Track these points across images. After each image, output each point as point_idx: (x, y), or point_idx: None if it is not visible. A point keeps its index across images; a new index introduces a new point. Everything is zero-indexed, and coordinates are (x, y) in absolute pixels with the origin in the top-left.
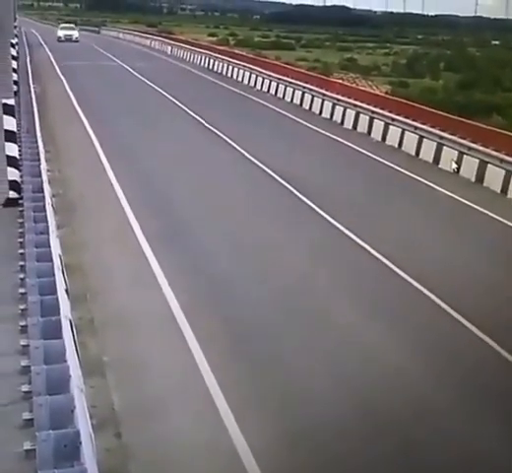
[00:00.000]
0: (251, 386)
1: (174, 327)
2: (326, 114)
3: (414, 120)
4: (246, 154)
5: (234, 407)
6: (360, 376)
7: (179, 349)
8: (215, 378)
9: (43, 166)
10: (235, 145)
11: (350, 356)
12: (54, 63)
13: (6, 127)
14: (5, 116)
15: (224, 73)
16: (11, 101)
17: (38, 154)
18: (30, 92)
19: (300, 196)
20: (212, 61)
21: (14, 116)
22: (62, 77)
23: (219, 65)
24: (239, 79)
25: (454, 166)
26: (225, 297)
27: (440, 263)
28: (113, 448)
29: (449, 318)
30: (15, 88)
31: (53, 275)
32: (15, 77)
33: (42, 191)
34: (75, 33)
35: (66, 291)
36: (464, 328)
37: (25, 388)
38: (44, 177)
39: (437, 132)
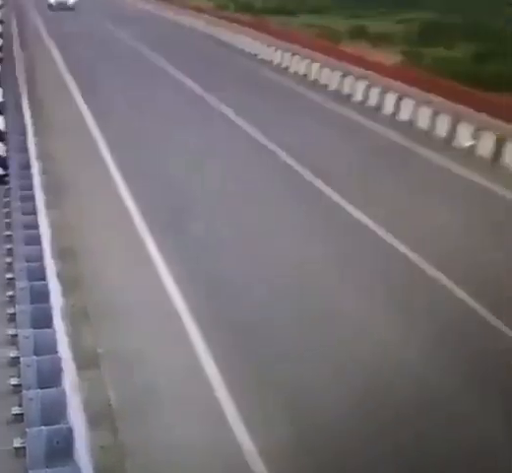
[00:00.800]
0: None
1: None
2: (334, 86)
3: (427, 93)
4: (250, 130)
5: None
6: None
7: None
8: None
9: (31, 139)
10: (243, 121)
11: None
12: (43, 28)
13: None
14: None
15: (228, 41)
16: None
17: (26, 126)
18: (16, 58)
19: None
20: (213, 28)
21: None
22: (52, 43)
23: (221, 32)
24: (241, 47)
25: (470, 142)
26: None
27: None
28: (109, 446)
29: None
30: (0, 54)
31: (43, 259)
32: (0, 42)
33: (30, 167)
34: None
35: (57, 276)
36: None
37: (13, 381)
38: (32, 152)
39: (453, 106)
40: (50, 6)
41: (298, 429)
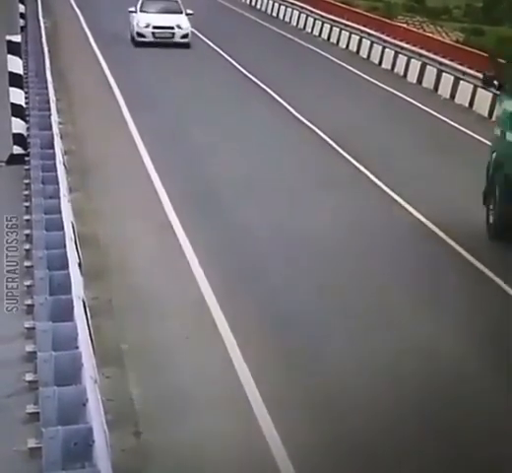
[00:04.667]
0: None
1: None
2: (386, 65)
3: None
4: (294, 112)
5: None
6: None
7: None
8: None
9: (54, 117)
10: (281, 100)
11: None
12: None
13: (10, 69)
14: (9, 56)
15: (269, 12)
16: (16, 38)
17: (49, 102)
18: (39, 27)
19: (359, 167)
20: None
21: (20, 56)
22: (77, 9)
23: (262, 2)
24: (286, 19)
25: None
26: None
27: None
28: (131, 449)
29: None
30: (21, 22)
31: (64, 247)
32: (21, 9)
33: (53, 147)
34: (180, 21)
35: (79, 265)
36: None
37: (29, 378)
38: (55, 131)
39: None
40: (138, 35)
41: None
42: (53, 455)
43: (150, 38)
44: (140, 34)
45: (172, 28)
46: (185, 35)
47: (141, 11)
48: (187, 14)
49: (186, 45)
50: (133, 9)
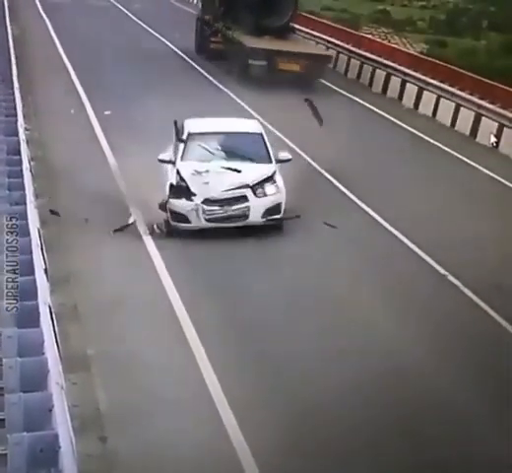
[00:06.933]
0: None
1: None
2: (352, 75)
3: (450, 86)
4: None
5: None
6: None
7: None
8: None
9: (21, 122)
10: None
11: None
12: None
13: None
14: None
15: None
16: None
17: (15, 108)
18: (6, 33)
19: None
20: None
21: None
22: (45, 16)
23: None
24: None
25: (493, 139)
26: None
27: None
28: (97, 454)
29: None
30: None
31: (31, 253)
32: None
33: (19, 153)
34: (264, 179)
35: (45, 271)
36: None
37: None
38: (22, 137)
39: (476, 100)
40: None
41: None
42: (18, 462)
43: (200, 223)
44: (180, 217)
45: (245, 198)
46: (273, 210)
47: (184, 159)
48: (280, 161)
49: (277, 227)
50: (167, 156)
